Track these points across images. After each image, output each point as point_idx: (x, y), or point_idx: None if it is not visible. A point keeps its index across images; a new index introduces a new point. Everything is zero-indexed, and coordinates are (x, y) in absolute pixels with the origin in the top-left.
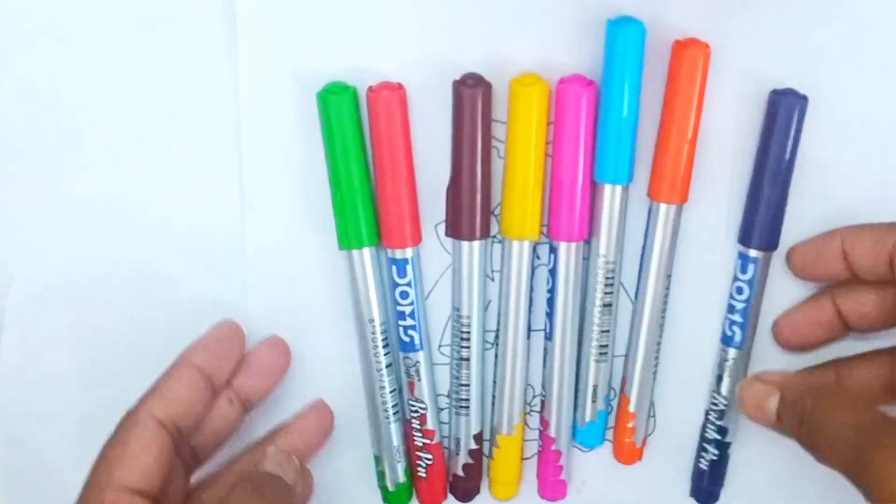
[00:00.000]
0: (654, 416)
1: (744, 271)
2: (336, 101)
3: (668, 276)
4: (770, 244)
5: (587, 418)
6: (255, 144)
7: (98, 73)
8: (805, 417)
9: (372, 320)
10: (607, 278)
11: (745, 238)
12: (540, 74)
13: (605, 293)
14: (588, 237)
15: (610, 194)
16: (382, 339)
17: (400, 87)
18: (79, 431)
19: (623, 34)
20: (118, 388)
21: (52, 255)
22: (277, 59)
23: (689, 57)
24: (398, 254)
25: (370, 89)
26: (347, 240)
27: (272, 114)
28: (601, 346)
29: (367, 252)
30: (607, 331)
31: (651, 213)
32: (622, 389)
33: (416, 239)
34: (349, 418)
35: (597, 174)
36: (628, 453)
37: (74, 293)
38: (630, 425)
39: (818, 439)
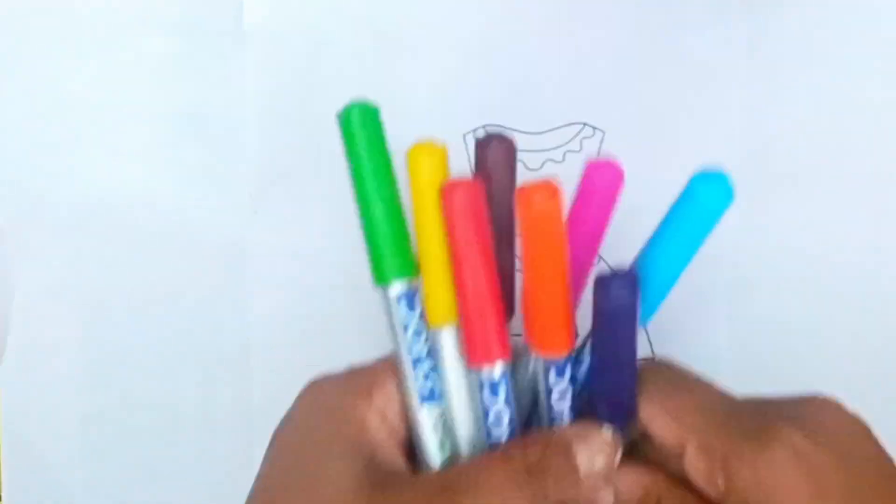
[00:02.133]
0: None
1: None
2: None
3: None
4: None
5: None
6: (262, 150)
7: (106, 78)
8: None
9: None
10: None
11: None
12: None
13: None
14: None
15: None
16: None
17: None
18: (83, 433)
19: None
20: (122, 391)
21: (57, 257)
22: (285, 64)
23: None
24: (484, 373)
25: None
26: (383, 274)
27: (279, 119)
28: None
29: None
30: None
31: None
32: None
33: (505, 351)
34: None
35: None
36: None
37: (79, 296)
38: None
39: None
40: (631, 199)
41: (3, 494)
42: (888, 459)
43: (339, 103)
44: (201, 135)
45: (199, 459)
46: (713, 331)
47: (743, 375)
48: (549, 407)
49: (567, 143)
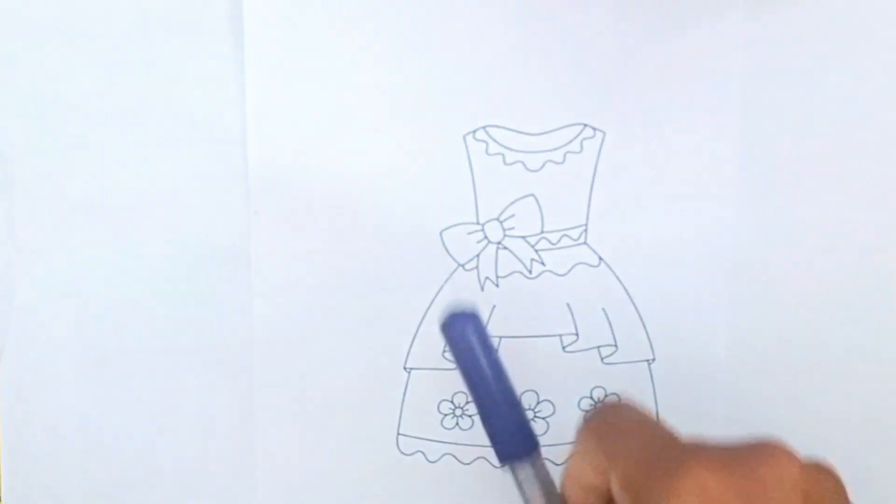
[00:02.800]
0: None
1: None
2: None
3: None
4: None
5: None
6: (262, 150)
7: (104, 77)
8: None
9: None
10: None
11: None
12: None
13: None
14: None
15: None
16: None
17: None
18: (82, 433)
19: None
20: (122, 391)
21: (56, 258)
22: (284, 63)
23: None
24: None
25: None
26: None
27: (278, 119)
28: None
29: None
30: None
31: None
32: None
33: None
34: (370, 407)
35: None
36: None
37: (79, 297)
38: None
39: None
40: (632, 198)
41: (2, 495)
42: None
43: (339, 103)
44: (201, 135)
45: (199, 460)
46: (713, 331)
47: (743, 375)
48: None
49: (567, 144)
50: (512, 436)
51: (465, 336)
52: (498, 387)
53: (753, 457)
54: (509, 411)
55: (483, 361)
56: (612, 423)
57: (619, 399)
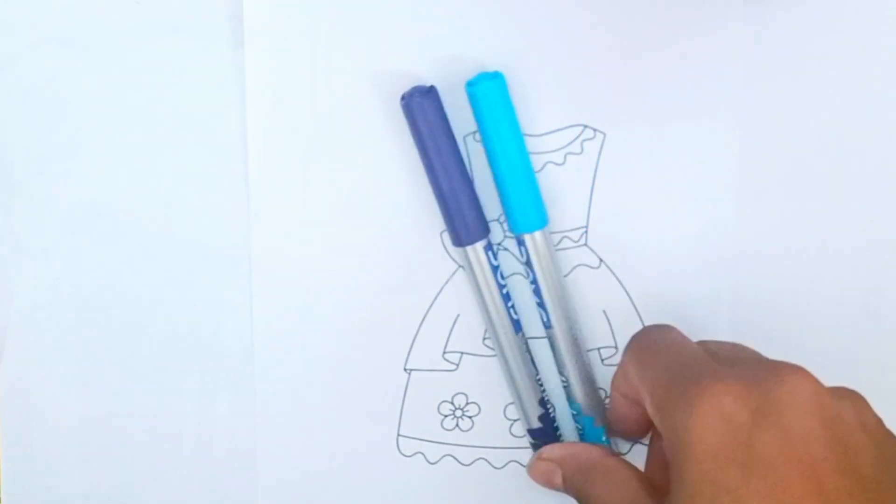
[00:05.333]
0: None
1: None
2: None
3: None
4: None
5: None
6: (262, 152)
7: (104, 79)
8: (580, 492)
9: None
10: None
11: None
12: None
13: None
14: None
15: (531, 243)
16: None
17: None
18: (82, 433)
19: (484, 91)
20: (122, 394)
21: (56, 259)
22: (284, 65)
23: (483, 90)
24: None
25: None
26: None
27: (278, 121)
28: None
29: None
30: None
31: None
32: None
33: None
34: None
35: (511, 227)
36: None
37: (79, 298)
38: None
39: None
40: (632, 199)
41: (3, 495)
42: (832, 440)
43: (339, 103)
44: (201, 135)
45: (199, 460)
46: (713, 331)
47: None
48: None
49: (568, 145)
50: (467, 218)
51: (424, 111)
52: (455, 167)
53: (772, 378)
54: (466, 192)
55: (442, 139)
56: (648, 345)
57: (664, 325)
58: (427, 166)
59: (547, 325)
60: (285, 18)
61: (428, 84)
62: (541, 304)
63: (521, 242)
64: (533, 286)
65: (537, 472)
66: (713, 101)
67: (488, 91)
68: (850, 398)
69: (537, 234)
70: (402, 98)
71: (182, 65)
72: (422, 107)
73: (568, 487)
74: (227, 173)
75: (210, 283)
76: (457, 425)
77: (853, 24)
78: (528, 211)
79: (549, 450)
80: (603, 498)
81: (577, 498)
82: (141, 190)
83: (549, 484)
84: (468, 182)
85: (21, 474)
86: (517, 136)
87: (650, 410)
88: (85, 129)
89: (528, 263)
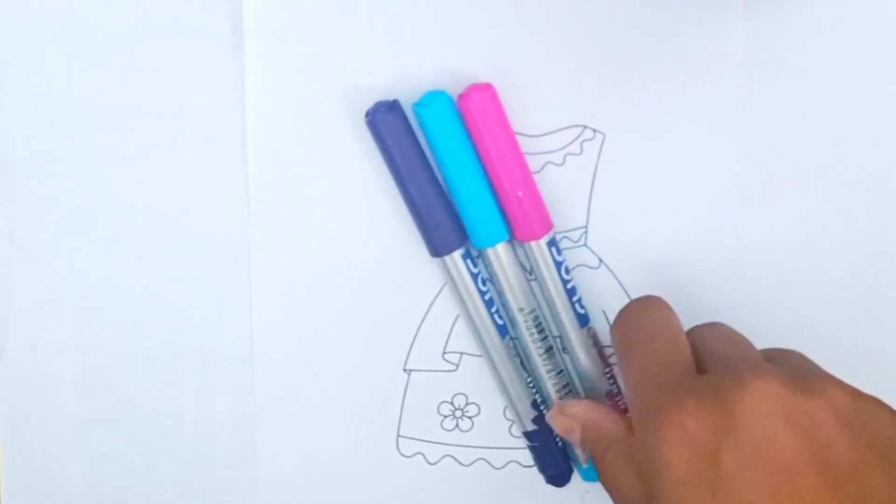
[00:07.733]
0: None
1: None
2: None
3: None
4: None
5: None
6: (261, 152)
7: (103, 80)
8: (597, 461)
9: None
10: (537, 326)
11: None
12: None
13: (541, 341)
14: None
15: (494, 256)
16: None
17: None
18: (82, 434)
19: (431, 112)
20: (121, 394)
21: (55, 260)
22: (284, 65)
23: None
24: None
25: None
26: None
27: (278, 121)
28: (563, 386)
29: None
30: (561, 371)
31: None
32: None
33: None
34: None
35: (474, 242)
36: None
37: (78, 299)
38: None
39: (609, 483)
40: (632, 200)
41: (3, 495)
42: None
43: (339, 103)
44: (201, 135)
45: (199, 460)
46: None
47: None
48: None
49: (567, 145)
50: (442, 229)
51: (391, 126)
52: (426, 179)
53: (735, 390)
54: (438, 203)
55: (411, 152)
56: (632, 334)
57: (651, 301)
58: (397, 180)
59: (512, 336)
60: (285, 19)
61: (393, 98)
62: (510, 315)
63: (484, 257)
64: (500, 297)
65: (557, 423)
66: (713, 102)
67: (435, 111)
68: (819, 389)
69: (499, 246)
70: (367, 114)
71: (182, 65)
72: (387, 121)
73: (585, 448)
74: (227, 173)
75: (209, 283)
76: (456, 426)
77: (852, 24)
78: (486, 225)
79: (574, 407)
80: (618, 480)
81: (594, 461)
82: (140, 190)
83: (566, 436)
84: (440, 192)
85: (21, 474)
86: (468, 152)
87: (633, 419)
88: (85, 129)
89: (491, 277)
